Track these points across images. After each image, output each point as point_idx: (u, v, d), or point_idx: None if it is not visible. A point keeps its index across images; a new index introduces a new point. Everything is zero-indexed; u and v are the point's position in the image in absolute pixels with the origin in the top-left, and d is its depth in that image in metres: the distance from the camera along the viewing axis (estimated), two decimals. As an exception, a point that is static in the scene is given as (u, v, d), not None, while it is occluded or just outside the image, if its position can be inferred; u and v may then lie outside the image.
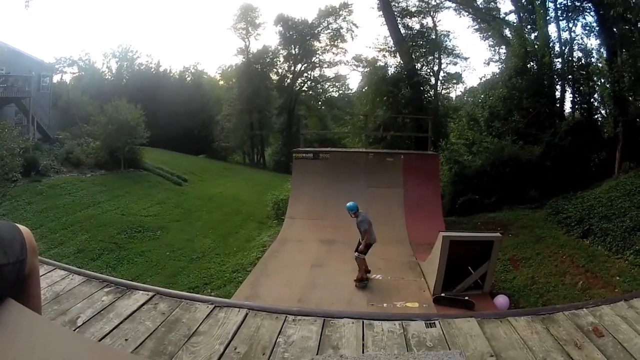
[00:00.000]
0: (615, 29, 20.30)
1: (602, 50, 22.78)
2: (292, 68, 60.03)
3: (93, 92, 42.16)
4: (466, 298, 9.07)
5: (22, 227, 1.45)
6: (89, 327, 3.02)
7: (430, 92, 34.24)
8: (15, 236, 1.40)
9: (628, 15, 19.02)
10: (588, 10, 23.40)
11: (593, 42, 23.83)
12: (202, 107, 53.77)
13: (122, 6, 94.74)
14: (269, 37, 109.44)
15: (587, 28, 23.89)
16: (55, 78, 39.23)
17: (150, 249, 17.11)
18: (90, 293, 3.56)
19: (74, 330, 2.94)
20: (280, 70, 60.96)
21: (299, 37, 57.12)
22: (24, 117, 28.82)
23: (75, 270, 4.06)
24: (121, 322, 3.14)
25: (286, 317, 3.32)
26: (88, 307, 3.29)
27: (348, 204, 10.99)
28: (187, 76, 61.19)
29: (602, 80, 22.26)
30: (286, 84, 59.64)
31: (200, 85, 59.28)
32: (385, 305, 9.33)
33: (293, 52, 58.60)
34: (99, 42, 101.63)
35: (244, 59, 58.44)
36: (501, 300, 9.95)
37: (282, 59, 60.10)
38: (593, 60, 23.59)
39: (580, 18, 24.12)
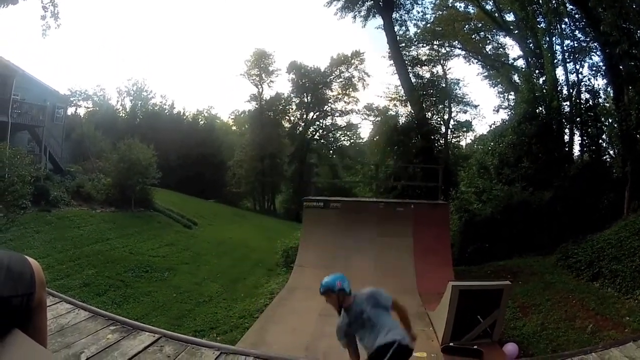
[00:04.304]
0: (621, 67, 20.26)
1: (609, 89, 22.82)
2: (304, 116, 60.80)
3: (106, 128, 43.03)
4: (475, 347, 8.87)
5: (31, 260, 1.45)
6: (93, 364, 2.97)
7: (441, 141, 34.42)
8: (25, 269, 1.39)
9: (633, 51, 19.04)
10: (594, 50, 23.58)
11: (600, 82, 23.77)
12: (214, 152, 54.29)
13: (139, 44, 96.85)
14: (281, 84, 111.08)
15: (594, 68, 24.07)
16: (70, 110, 39.42)
17: (157, 290, 16.93)
18: (96, 329, 3.52)
19: (78, 365, 2.89)
20: (292, 118, 61.92)
21: (312, 85, 58.02)
22: (36, 146, 28.96)
23: (82, 305, 4.02)
24: (126, 362, 3.08)
25: (293, 366, 3.27)
26: (93, 344, 3.25)
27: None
28: (200, 119, 62.19)
29: (610, 120, 22.19)
30: (298, 131, 60.36)
31: (213, 130, 60.19)
32: (393, 355, 9.12)
33: (305, 100, 59.44)
34: (113, 78, 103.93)
35: (256, 105, 59.40)
36: (510, 348, 9.72)
37: (294, 107, 61.10)
38: (600, 100, 23.62)
39: (587, 59, 24.39)
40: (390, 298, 4.85)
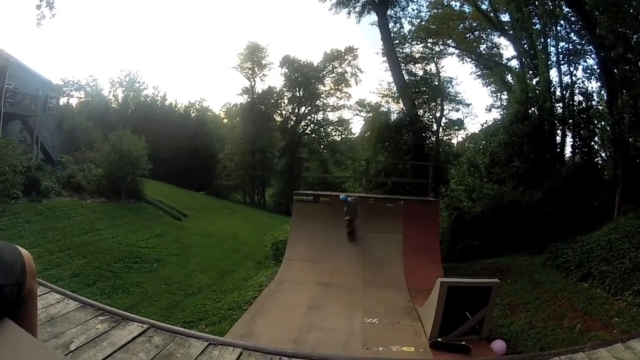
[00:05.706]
0: (615, 70, 20.32)
1: (602, 92, 22.81)
2: (296, 110, 60.73)
3: (98, 118, 42.90)
4: (463, 343, 8.92)
5: (22, 250, 1.45)
6: (82, 354, 2.98)
7: (432, 139, 34.35)
8: (17, 258, 1.39)
9: (629, 55, 19.07)
10: (589, 53, 23.59)
11: (594, 85, 23.72)
12: (205, 144, 54.05)
13: (131, 35, 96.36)
14: (274, 78, 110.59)
15: (588, 71, 23.97)
16: (62, 100, 39.00)
17: (146, 280, 16.93)
18: (85, 319, 3.53)
19: (67, 354, 2.90)
20: (284, 112, 61.78)
21: (304, 79, 57.95)
22: (28, 136, 28.88)
23: (71, 295, 4.02)
24: (114, 352, 3.09)
25: (281, 358, 3.27)
26: (82, 334, 3.25)
27: (341, 196, 16.26)
28: (191, 112, 61.87)
29: (602, 123, 22.21)
30: (289, 126, 60.25)
31: (204, 122, 59.85)
32: (380, 349, 9.14)
33: (298, 94, 59.38)
34: (106, 68, 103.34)
35: (248, 99, 59.19)
36: (498, 345, 9.79)
37: (286, 101, 60.95)
38: (594, 103, 23.63)
39: (582, 61, 24.33)
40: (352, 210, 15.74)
